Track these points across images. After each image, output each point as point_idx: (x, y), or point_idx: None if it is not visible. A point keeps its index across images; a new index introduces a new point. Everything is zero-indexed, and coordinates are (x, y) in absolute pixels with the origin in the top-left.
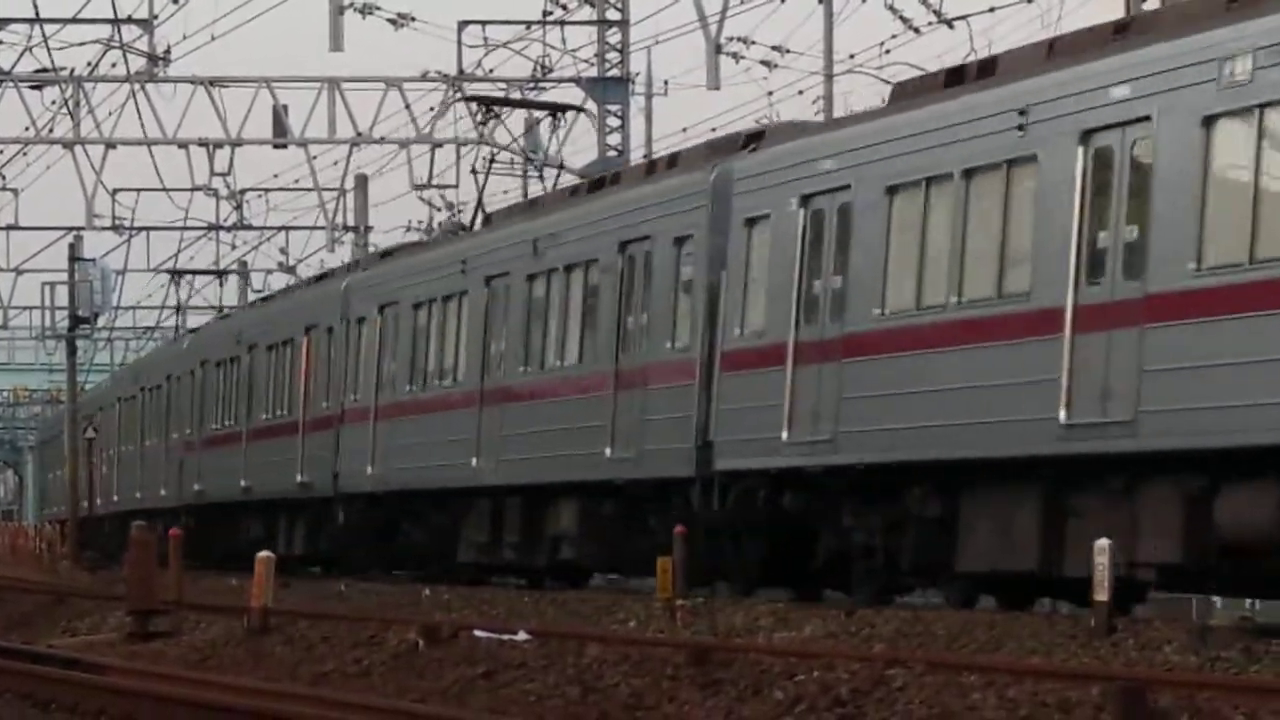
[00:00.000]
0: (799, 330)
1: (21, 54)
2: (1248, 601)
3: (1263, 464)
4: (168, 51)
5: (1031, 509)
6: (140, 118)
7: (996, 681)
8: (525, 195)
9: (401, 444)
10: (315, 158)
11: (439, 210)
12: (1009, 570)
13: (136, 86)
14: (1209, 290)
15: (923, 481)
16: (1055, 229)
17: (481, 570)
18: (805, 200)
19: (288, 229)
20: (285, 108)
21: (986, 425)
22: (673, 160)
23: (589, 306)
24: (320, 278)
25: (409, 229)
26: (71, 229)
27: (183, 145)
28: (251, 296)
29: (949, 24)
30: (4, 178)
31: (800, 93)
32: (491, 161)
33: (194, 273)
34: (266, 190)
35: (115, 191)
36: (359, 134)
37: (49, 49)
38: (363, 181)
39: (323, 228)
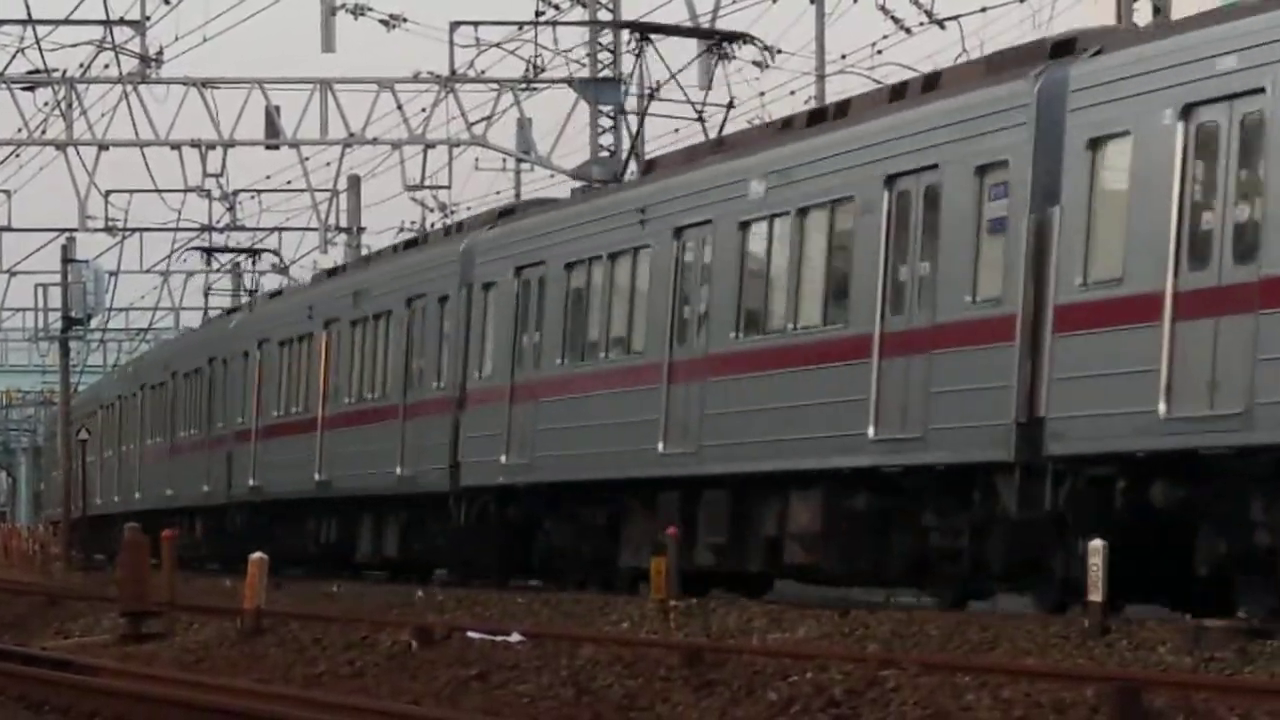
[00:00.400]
0: (1178, 277)
1: (14, 55)
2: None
3: None
4: (160, 53)
5: None
6: (133, 119)
7: (990, 682)
8: (518, 195)
9: (551, 428)
10: (308, 159)
11: (431, 211)
12: None
13: (129, 88)
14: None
15: None
16: None
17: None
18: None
19: (280, 230)
20: (277, 109)
21: None
22: (930, 82)
23: (836, 257)
24: (411, 243)
25: (401, 230)
26: (64, 230)
27: (175, 146)
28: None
29: (940, 24)
30: None
31: (792, 93)
32: (650, 98)
33: (224, 250)
34: (259, 191)
35: (108, 193)
36: (351, 135)
37: (41, 50)
38: (355, 182)
39: (315, 229)
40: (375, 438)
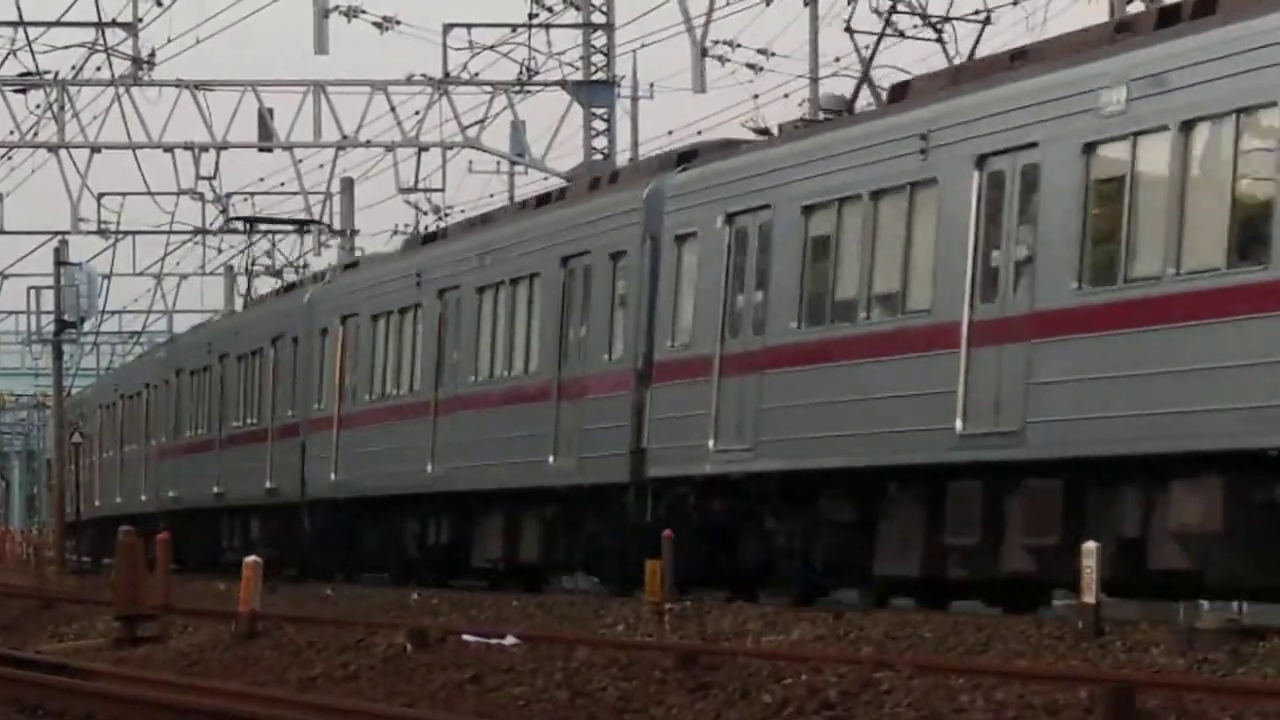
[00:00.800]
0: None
1: (5, 57)
2: (1235, 603)
3: None
4: (152, 55)
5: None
6: (125, 121)
7: (984, 684)
8: (512, 198)
9: (783, 406)
10: (301, 161)
11: (425, 214)
12: None
13: (121, 90)
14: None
15: None
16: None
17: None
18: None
19: (274, 233)
20: (270, 111)
21: None
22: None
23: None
24: (544, 199)
25: (395, 232)
26: (57, 233)
27: (168, 149)
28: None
29: (935, 28)
30: None
31: (786, 96)
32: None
33: (274, 227)
34: (252, 194)
35: (101, 195)
36: (344, 137)
37: (33, 52)
38: (349, 185)
39: (309, 231)
40: (516, 421)
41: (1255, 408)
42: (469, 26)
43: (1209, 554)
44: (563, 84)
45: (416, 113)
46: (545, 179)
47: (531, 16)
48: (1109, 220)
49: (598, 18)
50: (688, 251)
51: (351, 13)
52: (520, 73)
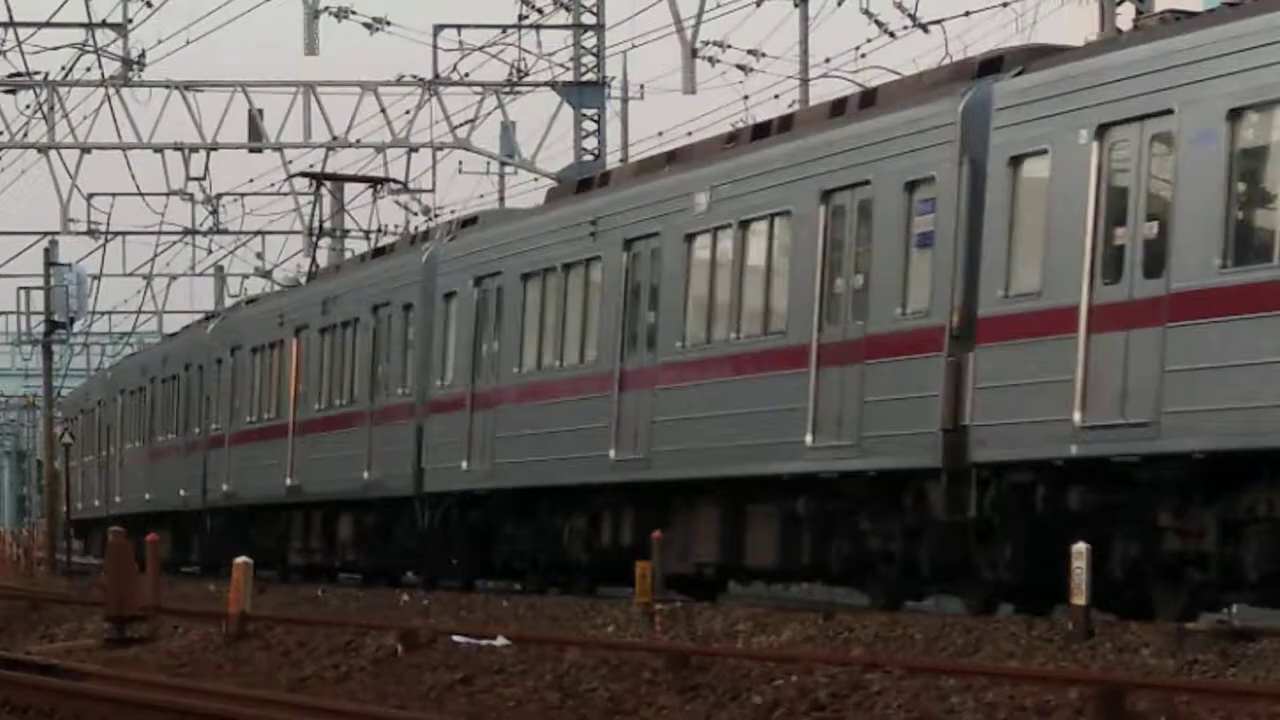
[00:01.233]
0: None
1: None
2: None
3: None
4: (142, 55)
5: None
6: (115, 122)
7: (974, 685)
8: (502, 199)
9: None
10: (291, 162)
11: (415, 215)
12: None
13: (111, 90)
14: None
15: None
16: None
17: None
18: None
19: (263, 233)
20: (261, 111)
21: None
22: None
23: None
24: (787, 122)
25: (384, 232)
26: (47, 234)
27: (158, 149)
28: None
29: (924, 28)
30: None
31: (776, 97)
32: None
33: (337, 178)
34: (242, 194)
35: (90, 196)
36: (335, 138)
37: (23, 53)
38: (339, 185)
39: (299, 232)
40: (760, 392)
41: None
42: (459, 27)
43: None
44: (553, 85)
45: (406, 113)
46: (535, 179)
47: (522, 17)
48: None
49: (588, 19)
50: (1031, 171)
51: (342, 14)
52: (510, 74)
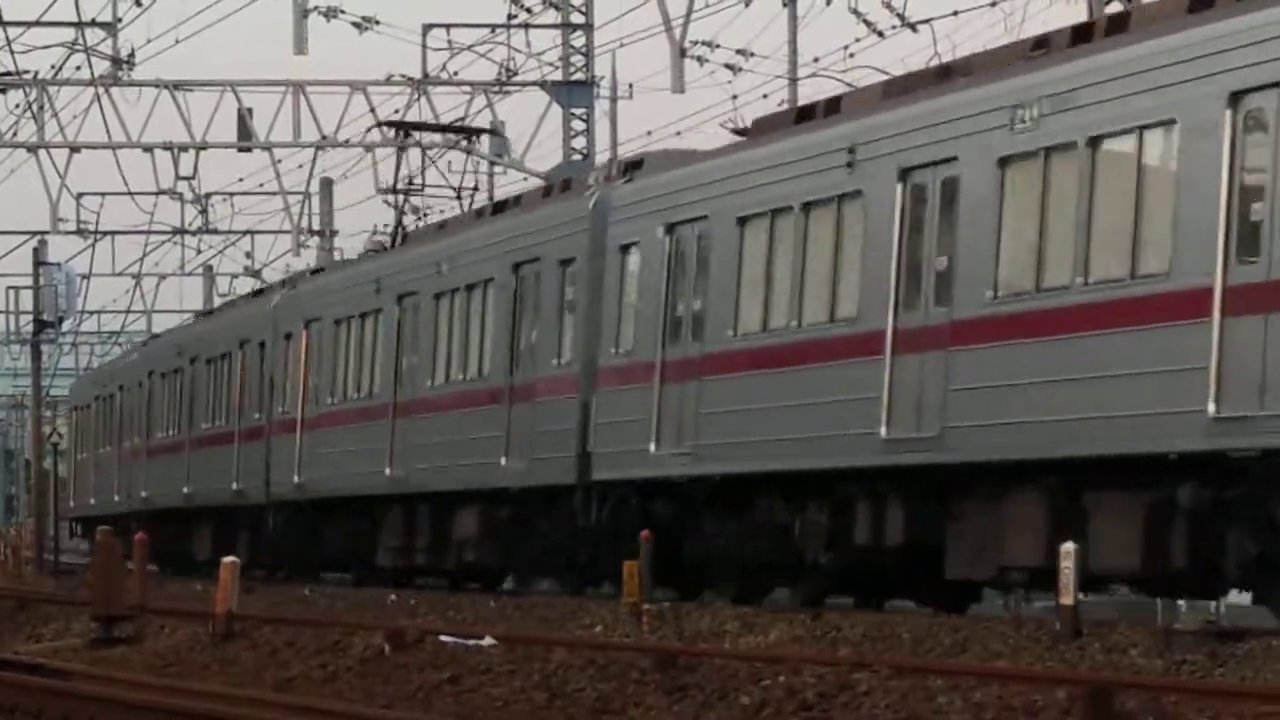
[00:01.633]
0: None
1: None
2: (1212, 605)
3: None
4: (132, 55)
5: None
6: (105, 121)
7: (962, 685)
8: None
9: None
10: (280, 161)
11: (404, 214)
12: None
13: (101, 90)
14: None
15: None
16: None
17: None
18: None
19: (253, 233)
20: (250, 111)
21: None
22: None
23: None
24: (1084, 31)
25: (375, 232)
26: (36, 233)
27: (147, 149)
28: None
29: (913, 27)
30: None
31: (765, 96)
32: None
33: (423, 127)
34: (232, 194)
35: (80, 195)
36: (324, 137)
37: (12, 52)
38: (328, 185)
39: (288, 231)
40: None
41: None
42: (448, 27)
43: None
44: (542, 84)
45: (396, 112)
46: (525, 179)
47: (510, 17)
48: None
49: (576, 18)
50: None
51: (331, 13)
52: (499, 73)
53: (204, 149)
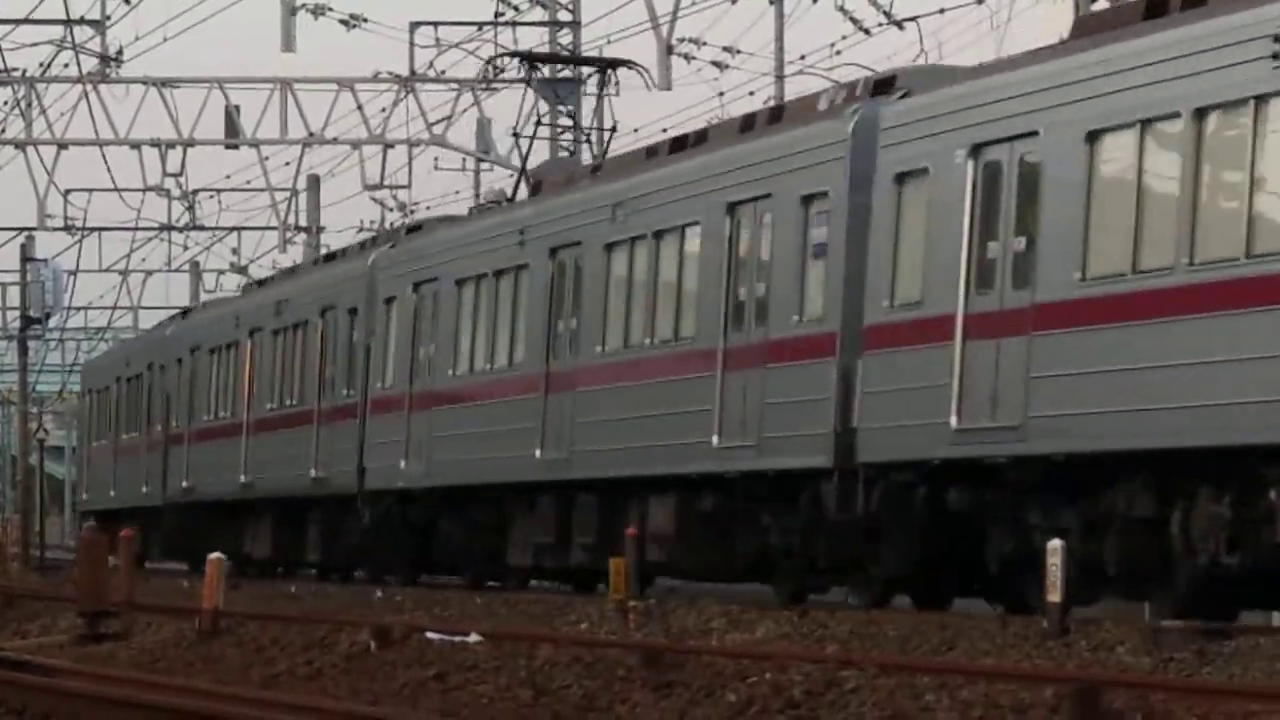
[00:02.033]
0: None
1: None
2: None
3: None
4: (120, 52)
5: None
6: (92, 118)
7: (950, 683)
8: (477, 194)
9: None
10: (267, 158)
11: (391, 210)
12: None
13: (89, 87)
14: None
15: None
16: None
17: None
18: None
19: (240, 229)
20: (237, 108)
21: None
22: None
23: None
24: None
25: (361, 229)
26: (23, 229)
27: (135, 146)
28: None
29: (899, 25)
30: None
31: (751, 94)
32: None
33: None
34: (219, 191)
35: (67, 192)
36: (311, 134)
37: (0, 49)
38: (315, 182)
39: (275, 228)
40: None
41: None
42: (435, 24)
43: None
44: (528, 82)
45: (383, 110)
46: (510, 175)
47: (498, 14)
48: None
49: (564, 15)
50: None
51: (318, 10)
52: (486, 70)
53: (191, 146)
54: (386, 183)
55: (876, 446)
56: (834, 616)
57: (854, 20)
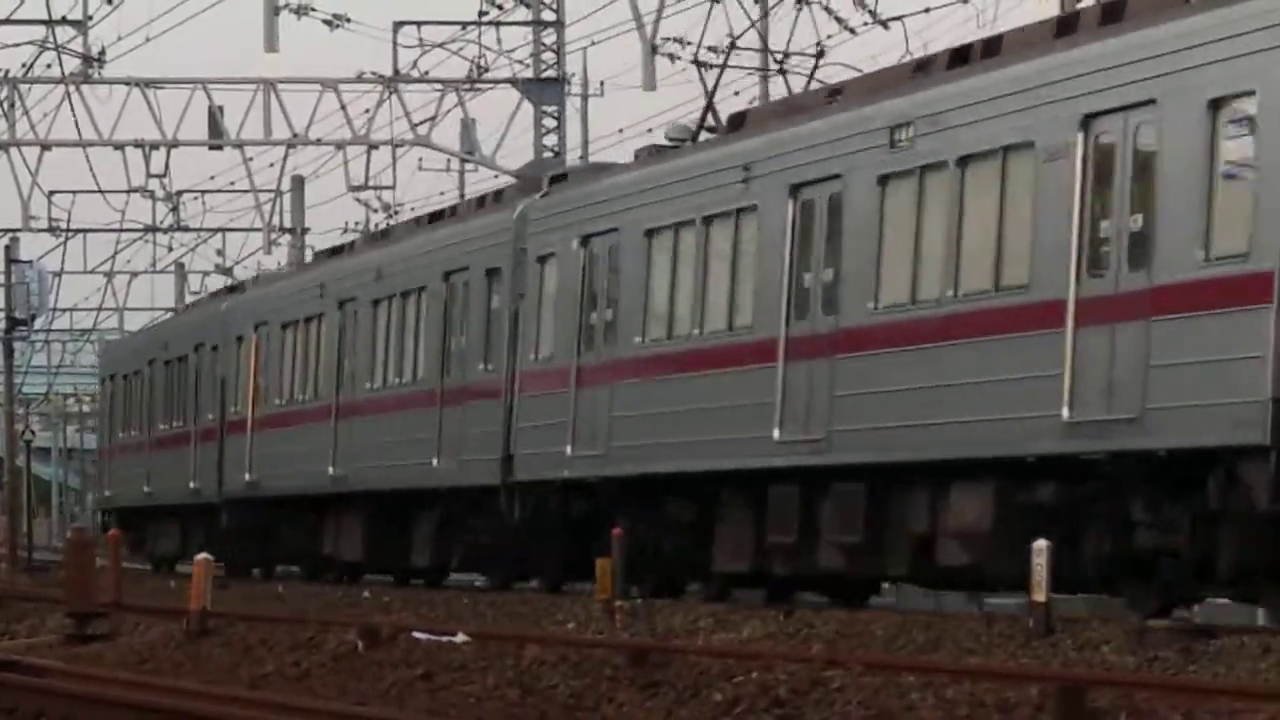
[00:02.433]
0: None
1: None
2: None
3: None
4: (102, 53)
5: None
6: (75, 119)
7: (935, 682)
8: (462, 196)
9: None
10: (251, 159)
11: (375, 211)
12: None
13: (71, 88)
14: None
15: None
16: None
17: None
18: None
19: (224, 230)
20: (221, 109)
21: None
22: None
23: None
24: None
25: (345, 230)
26: (7, 231)
27: (118, 147)
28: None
29: (884, 24)
30: None
31: (736, 93)
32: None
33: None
34: (203, 192)
35: (51, 193)
36: (295, 135)
37: None
38: (299, 183)
39: (259, 229)
40: None
41: None
42: (419, 24)
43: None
44: (513, 82)
45: (366, 110)
46: (495, 176)
47: (482, 14)
48: None
49: (548, 15)
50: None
51: (301, 10)
52: (470, 70)
53: (175, 147)
54: (371, 183)
55: None
56: (820, 616)
57: (839, 20)
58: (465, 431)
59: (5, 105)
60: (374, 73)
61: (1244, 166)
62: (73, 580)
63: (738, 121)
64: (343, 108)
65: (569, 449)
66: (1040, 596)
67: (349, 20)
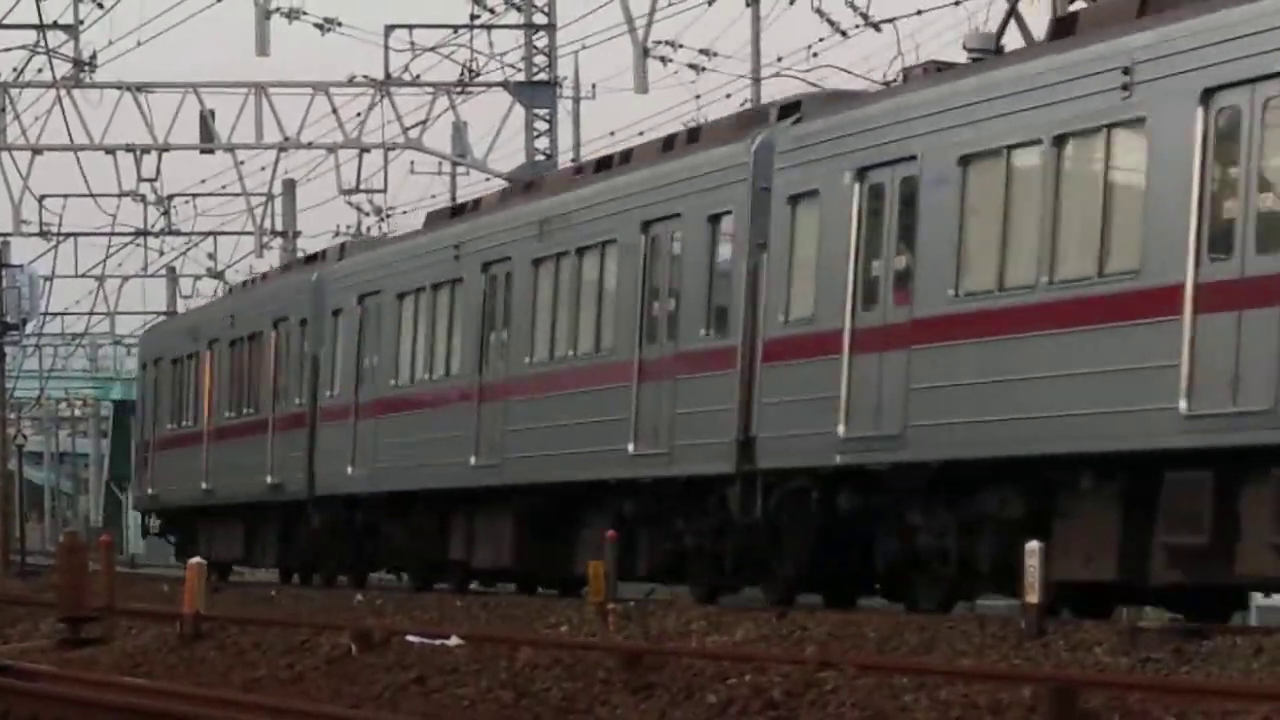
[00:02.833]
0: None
1: None
2: None
3: None
4: (94, 57)
5: None
6: (67, 123)
7: (928, 683)
8: (454, 198)
9: None
10: (243, 163)
11: (367, 215)
12: None
13: (63, 92)
14: None
15: None
16: None
17: None
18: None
19: (216, 234)
20: (212, 113)
21: None
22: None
23: None
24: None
25: (337, 234)
26: None
27: (110, 151)
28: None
29: (876, 27)
30: None
31: (728, 96)
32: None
33: None
34: (194, 195)
35: (42, 197)
36: (286, 139)
37: None
38: (290, 186)
39: (251, 233)
40: None
41: None
42: (410, 28)
43: None
44: (504, 85)
45: (358, 114)
46: (487, 179)
47: (473, 18)
48: None
49: (539, 18)
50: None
51: (293, 14)
52: (462, 74)
53: (166, 151)
54: (362, 187)
55: None
56: (813, 617)
57: (831, 22)
58: (676, 411)
59: None
60: (365, 76)
61: None
62: (66, 584)
63: (1066, 26)
64: (334, 111)
65: (841, 429)
66: (1033, 598)
67: (340, 24)
